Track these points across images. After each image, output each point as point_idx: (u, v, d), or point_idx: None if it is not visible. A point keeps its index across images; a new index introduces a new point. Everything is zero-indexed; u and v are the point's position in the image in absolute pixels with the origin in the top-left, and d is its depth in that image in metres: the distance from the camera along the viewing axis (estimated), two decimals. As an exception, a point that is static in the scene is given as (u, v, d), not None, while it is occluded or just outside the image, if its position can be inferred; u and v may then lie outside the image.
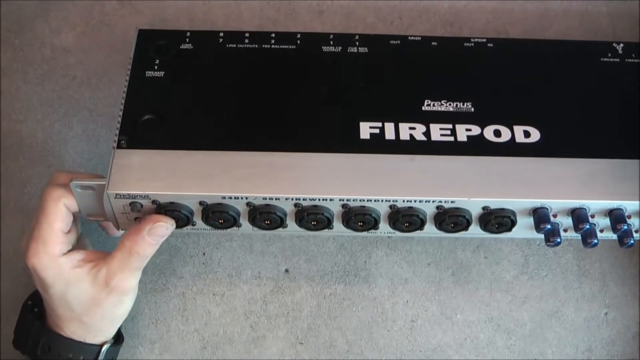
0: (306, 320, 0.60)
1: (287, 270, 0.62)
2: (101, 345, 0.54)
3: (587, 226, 0.51)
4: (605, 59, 0.60)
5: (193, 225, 0.52)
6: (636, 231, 0.53)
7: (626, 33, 0.70)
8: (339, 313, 0.61)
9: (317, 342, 0.60)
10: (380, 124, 0.54)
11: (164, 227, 0.50)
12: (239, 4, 0.71)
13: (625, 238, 0.52)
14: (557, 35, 0.70)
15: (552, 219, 0.52)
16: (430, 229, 0.53)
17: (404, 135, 0.54)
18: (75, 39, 0.70)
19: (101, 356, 0.53)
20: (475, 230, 0.53)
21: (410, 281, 0.61)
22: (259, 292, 0.61)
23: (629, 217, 0.52)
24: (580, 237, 0.53)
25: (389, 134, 0.54)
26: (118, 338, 0.56)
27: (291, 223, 0.52)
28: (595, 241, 0.52)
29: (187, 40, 0.58)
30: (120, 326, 0.56)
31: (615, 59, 0.60)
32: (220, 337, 0.60)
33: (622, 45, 0.61)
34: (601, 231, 0.53)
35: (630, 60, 0.60)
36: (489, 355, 0.60)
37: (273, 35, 0.59)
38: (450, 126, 0.54)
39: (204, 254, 0.62)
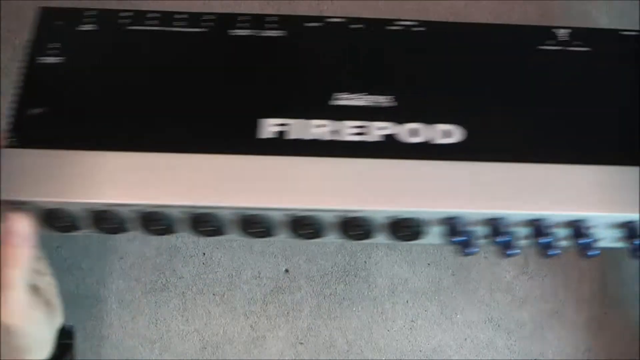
0: (306, 320, 0.60)
1: (287, 270, 0.62)
2: None
3: (507, 238, 0.47)
4: (543, 47, 0.54)
5: (82, 229, 0.48)
6: (562, 240, 0.49)
7: (626, 33, 0.70)
8: (339, 313, 0.61)
9: (317, 342, 0.60)
10: (282, 121, 0.49)
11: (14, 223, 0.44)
12: (238, 3, 0.71)
13: (549, 249, 0.48)
14: (557, 35, 0.70)
15: (467, 228, 0.48)
16: (333, 235, 0.49)
17: (309, 134, 0.49)
18: (75, 39, 0.70)
19: None
20: (382, 238, 0.49)
21: (410, 281, 0.61)
22: (259, 292, 0.61)
23: (556, 227, 0.48)
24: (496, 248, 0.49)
25: (292, 133, 0.49)
26: None
27: (184, 229, 0.48)
28: (518, 251, 0.48)
29: (90, 20, 0.53)
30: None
31: (557, 47, 0.54)
32: (220, 337, 0.60)
33: (565, 30, 0.55)
34: (524, 239, 0.49)
35: (574, 48, 0.54)
36: (489, 355, 0.60)
37: (181, 16, 0.54)
38: (362, 123, 0.50)
39: (204, 254, 0.62)
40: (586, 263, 0.62)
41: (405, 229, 0.48)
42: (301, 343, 0.60)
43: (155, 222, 0.48)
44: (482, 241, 0.50)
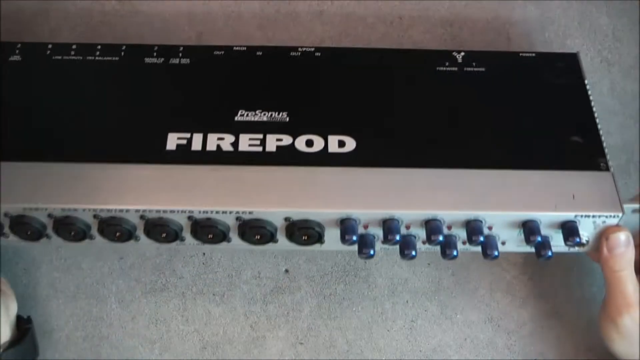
0: (306, 320, 0.60)
1: (287, 270, 0.62)
2: None
3: (398, 238, 0.50)
4: (441, 68, 0.59)
5: (6, 237, 0.53)
6: (464, 242, 0.52)
7: (626, 33, 0.70)
8: (339, 313, 0.61)
9: (317, 342, 0.60)
10: (188, 135, 0.54)
11: None
12: (238, 4, 0.71)
13: (448, 249, 0.51)
14: (556, 34, 0.70)
15: (362, 230, 0.51)
16: (236, 240, 0.53)
17: (211, 145, 0.53)
18: (75, 39, 0.69)
19: None
20: (285, 242, 0.52)
21: (410, 281, 0.61)
22: (259, 292, 0.61)
23: (450, 227, 0.51)
24: (398, 249, 0.52)
25: (196, 145, 0.53)
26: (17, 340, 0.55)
27: (96, 234, 0.53)
28: (414, 253, 0.51)
29: (17, 52, 0.59)
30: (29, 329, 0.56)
31: (453, 68, 0.59)
32: (220, 337, 0.60)
33: (462, 53, 0.60)
34: (424, 242, 0.52)
35: (469, 69, 0.59)
36: (489, 355, 0.60)
37: (99, 47, 0.60)
38: (260, 136, 0.54)
39: (204, 254, 0.62)
40: (587, 263, 0.62)
41: (302, 230, 0.51)
42: (301, 343, 0.60)
43: (68, 225, 0.51)
44: (380, 245, 0.52)
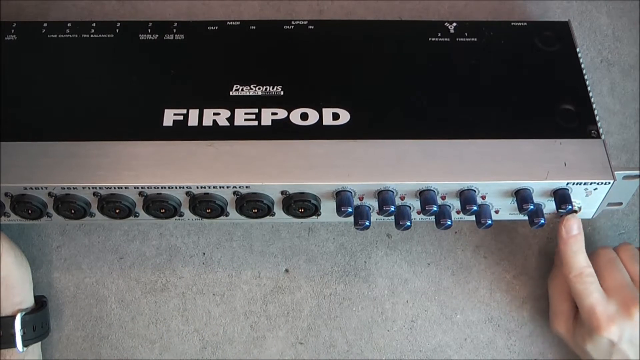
0: (306, 320, 0.60)
1: (287, 270, 0.62)
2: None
3: (393, 208, 0.51)
4: (434, 39, 0.59)
5: (7, 216, 0.54)
6: (458, 212, 0.53)
7: (626, 33, 0.70)
8: (339, 313, 0.61)
9: (317, 342, 0.60)
10: (184, 111, 0.54)
11: None
12: (238, 3, 0.71)
13: (443, 219, 0.52)
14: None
15: (357, 202, 0.52)
16: (234, 214, 0.53)
17: (207, 121, 0.54)
18: (75, 39, 0.70)
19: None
20: (282, 214, 0.53)
21: (410, 281, 0.61)
22: (259, 292, 0.61)
23: (444, 197, 0.52)
24: (393, 220, 0.53)
25: (192, 121, 0.54)
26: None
27: (97, 212, 0.53)
28: (408, 223, 0.52)
29: (12, 31, 0.59)
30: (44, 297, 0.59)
31: (445, 39, 0.59)
32: (220, 337, 0.60)
33: (454, 24, 0.60)
34: (418, 213, 0.53)
35: (461, 39, 0.59)
36: (489, 355, 0.60)
37: (94, 24, 0.60)
38: (255, 110, 0.54)
39: (204, 254, 0.62)
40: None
41: (299, 203, 0.52)
42: (301, 343, 0.60)
43: (68, 204, 0.52)
44: (376, 216, 0.53)
